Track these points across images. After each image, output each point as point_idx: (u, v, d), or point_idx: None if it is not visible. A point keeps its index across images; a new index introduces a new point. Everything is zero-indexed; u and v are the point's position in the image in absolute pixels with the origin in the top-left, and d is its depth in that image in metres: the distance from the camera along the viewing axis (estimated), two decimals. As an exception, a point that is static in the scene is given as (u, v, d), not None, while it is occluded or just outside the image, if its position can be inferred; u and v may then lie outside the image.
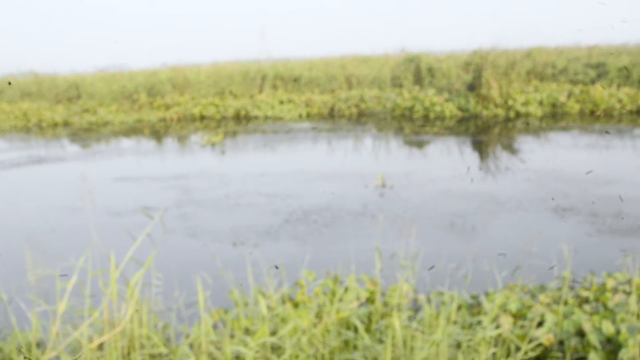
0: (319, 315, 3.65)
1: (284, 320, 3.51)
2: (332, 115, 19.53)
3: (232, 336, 3.48)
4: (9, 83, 22.71)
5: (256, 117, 19.61)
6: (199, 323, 3.54)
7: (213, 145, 14.41)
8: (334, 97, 20.33)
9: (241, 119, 19.68)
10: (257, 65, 23.20)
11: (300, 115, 19.46)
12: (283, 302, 4.02)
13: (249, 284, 3.95)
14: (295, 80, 22.31)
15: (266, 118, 19.45)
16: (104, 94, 22.22)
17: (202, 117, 20.08)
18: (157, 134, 17.24)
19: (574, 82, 20.61)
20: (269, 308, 3.69)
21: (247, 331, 3.57)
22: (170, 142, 15.82)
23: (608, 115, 17.23)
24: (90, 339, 3.32)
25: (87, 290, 3.45)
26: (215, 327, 3.90)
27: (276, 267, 4.02)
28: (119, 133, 17.74)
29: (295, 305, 4.07)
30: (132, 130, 18.10)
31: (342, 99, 19.86)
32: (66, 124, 20.23)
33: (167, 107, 20.95)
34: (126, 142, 16.07)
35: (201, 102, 20.74)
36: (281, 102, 20.46)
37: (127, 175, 11.05)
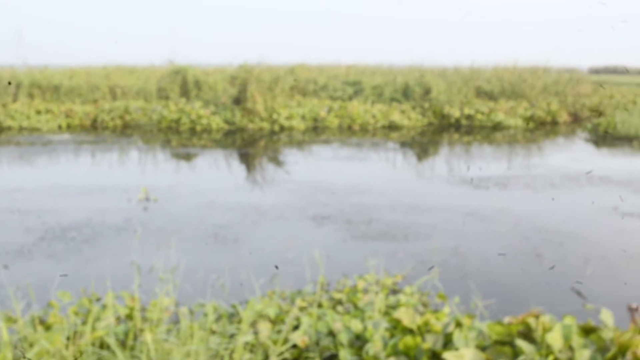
0: (72, 337, 3.48)
1: (32, 345, 3.29)
2: (95, 126, 18.71)
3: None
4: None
5: (9, 128, 18.14)
6: None
7: (-43, 158, 13.08)
8: (96, 107, 19.47)
9: (-8, 130, 18.11)
10: (11, 71, 21.50)
11: (59, 127, 18.38)
12: (33, 325, 3.77)
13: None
14: (55, 88, 21.02)
15: (21, 129, 18.07)
16: None
17: (-55, 128, 18.14)
18: None
19: (333, 99, 21.86)
20: (16, 332, 3.43)
21: (-10, 359, 3.29)
22: None
23: (364, 129, 18.55)
24: None
25: None
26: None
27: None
28: None
29: (48, 327, 3.83)
30: None
31: (106, 110, 19.11)
32: None
33: None
34: None
35: (-57, 112, 18.74)
36: (38, 112, 19.13)
37: None
